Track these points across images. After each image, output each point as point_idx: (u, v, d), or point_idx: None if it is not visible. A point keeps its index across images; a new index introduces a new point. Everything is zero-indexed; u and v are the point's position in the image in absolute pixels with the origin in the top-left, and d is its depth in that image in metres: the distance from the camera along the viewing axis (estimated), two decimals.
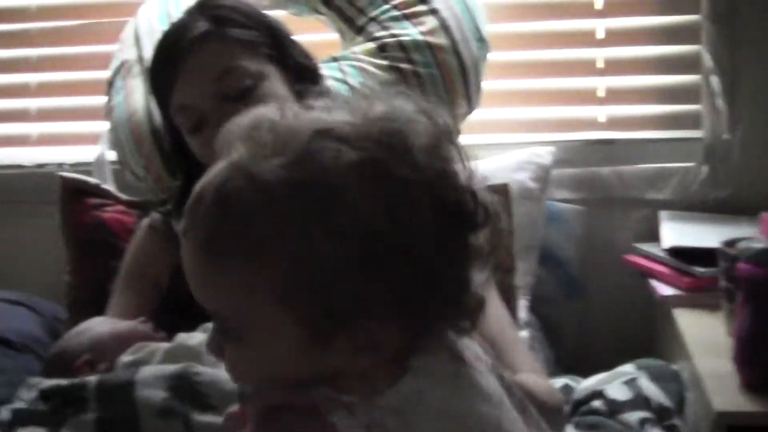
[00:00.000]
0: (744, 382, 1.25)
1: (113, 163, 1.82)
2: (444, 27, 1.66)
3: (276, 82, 1.33)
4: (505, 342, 1.24)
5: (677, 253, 1.62)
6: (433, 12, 1.67)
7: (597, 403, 1.30)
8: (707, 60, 1.78)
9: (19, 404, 1.14)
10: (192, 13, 1.36)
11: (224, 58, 1.30)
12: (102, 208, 1.69)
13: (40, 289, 1.84)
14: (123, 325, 1.33)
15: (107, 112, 1.78)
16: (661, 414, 1.26)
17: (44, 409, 1.12)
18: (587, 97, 1.86)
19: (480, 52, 1.70)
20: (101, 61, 1.89)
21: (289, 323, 0.68)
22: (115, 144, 1.75)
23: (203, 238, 0.69)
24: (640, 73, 1.86)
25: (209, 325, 1.07)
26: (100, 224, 1.67)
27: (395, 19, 1.67)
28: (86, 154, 1.93)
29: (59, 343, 1.36)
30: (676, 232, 1.67)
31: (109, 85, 1.79)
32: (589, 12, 1.83)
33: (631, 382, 1.32)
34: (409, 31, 1.65)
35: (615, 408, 1.28)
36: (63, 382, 1.14)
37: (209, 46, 1.30)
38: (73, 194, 1.70)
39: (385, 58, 1.64)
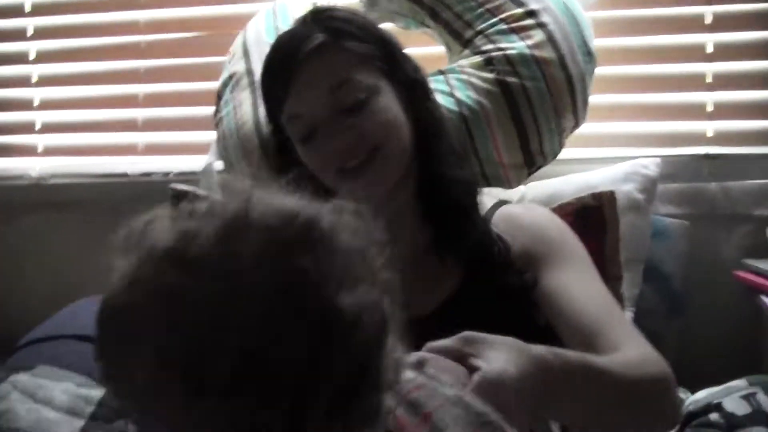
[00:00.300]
0: None
1: (220, 172, 1.87)
2: (551, 41, 1.64)
3: (388, 96, 1.33)
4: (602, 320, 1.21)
5: None
6: (541, 26, 1.65)
7: (714, 416, 1.29)
8: None
9: None
10: (306, 23, 1.36)
11: (340, 69, 1.30)
12: None
13: None
14: None
15: (216, 123, 1.81)
16: None
17: None
18: (695, 111, 1.85)
19: (587, 66, 1.68)
20: (208, 72, 1.95)
21: None
22: (223, 155, 1.78)
23: None
24: (749, 88, 1.83)
25: None
26: None
27: (502, 32, 1.66)
28: (191, 163, 1.99)
29: None
30: None
31: (218, 97, 1.82)
32: (698, 26, 1.82)
33: (749, 397, 1.30)
34: (516, 45, 1.64)
35: (734, 422, 1.26)
36: None
37: (325, 58, 1.30)
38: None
39: (491, 71, 1.63)
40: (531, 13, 1.68)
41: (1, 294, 2.10)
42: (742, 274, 1.72)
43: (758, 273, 1.69)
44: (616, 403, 1.05)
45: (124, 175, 2.07)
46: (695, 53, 1.84)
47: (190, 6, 2.07)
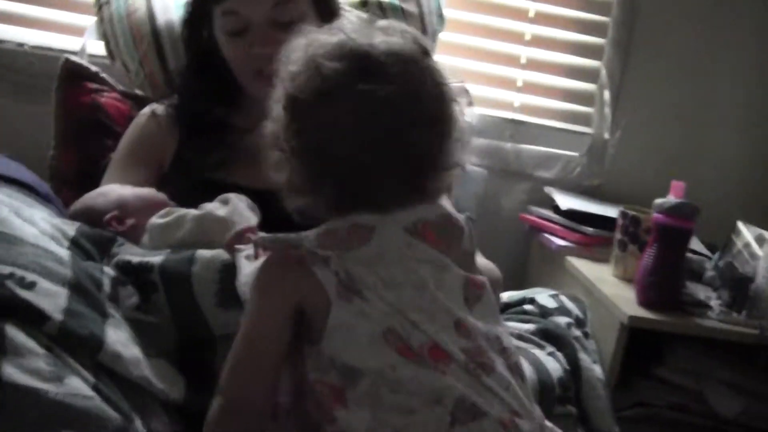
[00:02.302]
0: (642, 302, 1.72)
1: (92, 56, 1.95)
2: None
3: (311, 24, 1.55)
4: None
5: (569, 215, 2.05)
6: None
7: (529, 307, 1.64)
8: (603, 75, 2.24)
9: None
10: None
11: None
12: (100, 93, 1.81)
13: None
14: (143, 189, 1.46)
15: (100, 6, 1.88)
16: (578, 322, 1.62)
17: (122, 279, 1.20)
18: (508, 84, 2.25)
19: (438, 27, 1.99)
20: None
21: None
22: (108, 35, 1.86)
23: None
24: (553, 74, 2.27)
25: (229, 196, 1.31)
26: (97, 106, 1.79)
27: None
28: (46, 38, 2.05)
29: (83, 202, 1.45)
30: (569, 201, 2.09)
31: None
32: (522, 17, 2.22)
33: (555, 296, 1.68)
34: None
35: (546, 312, 1.61)
36: (133, 259, 1.22)
37: None
38: (73, 77, 1.81)
39: (366, 12, 1.87)
40: None
41: None
42: (527, 216, 2.16)
43: (540, 216, 2.13)
44: None
45: None
46: (516, 37, 2.23)
47: None
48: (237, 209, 1.33)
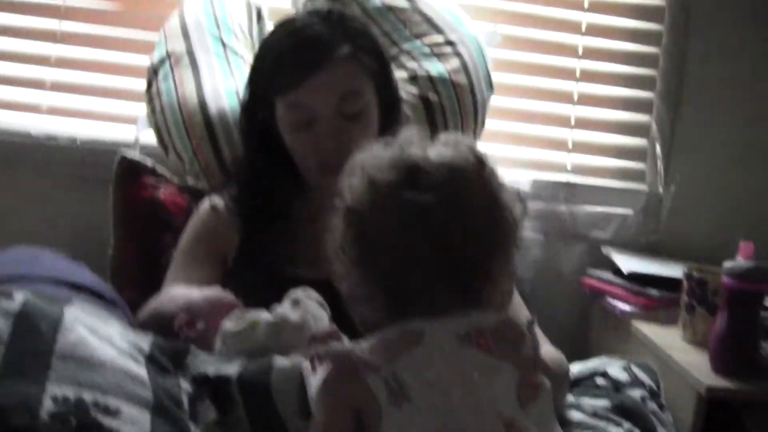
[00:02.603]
0: (717, 368, 1.68)
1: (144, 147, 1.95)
2: (465, 69, 1.92)
3: (374, 112, 1.54)
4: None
5: (631, 278, 2.01)
6: (458, 54, 1.92)
7: (600, 381, 1.59)
8: (654, 129, 2.21)
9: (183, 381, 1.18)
10: (330, 23, 1.51)
11: (353, 81, 1.50)
12: (157, 188, 1.82)
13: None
14: (211, 291, 1.43)
15: (150, 98, 1.91)
16: (652, 393, 1.58)
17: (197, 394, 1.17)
18: (561, 145, 2.23)
19: (488, 94, 1.98)
20: (124, 44, 2.09)
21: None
22: (161, 126, 1.87)
23: None
24: (603, 131, 2.25)
25: (299, 295, 1.30)
26: (155, 202, 1.80)
27: (426, 55, 1.92)
28: (98, 131, 2.07)
29: (151, 308, 1.43)
30: (629, 263, 2.05)
31: (154, 72, 1.91)
32: (569, 76, 2.21)
33: (627, 368, 1.63)
34: (438, 67, 1.90)
35: (619, 385, 1.57)
36: (209, 370, 1.19)
37: (346, 67, 1.49)
38: (130, 174, 1.83)
39: (415, 86, 1.87)
40: (450, 43, 1.94)
41: None
42: (587, 280, 2.12)
43: (601, 280, 2.09)
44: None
45: (28, 135, 2.04)
46: (564, 97, 2.22)
47: None
48: (309, 310, 1.31)
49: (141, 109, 1.99)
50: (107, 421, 0.99)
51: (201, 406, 1.17)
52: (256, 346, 1.28)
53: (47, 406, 0.97)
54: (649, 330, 1.91)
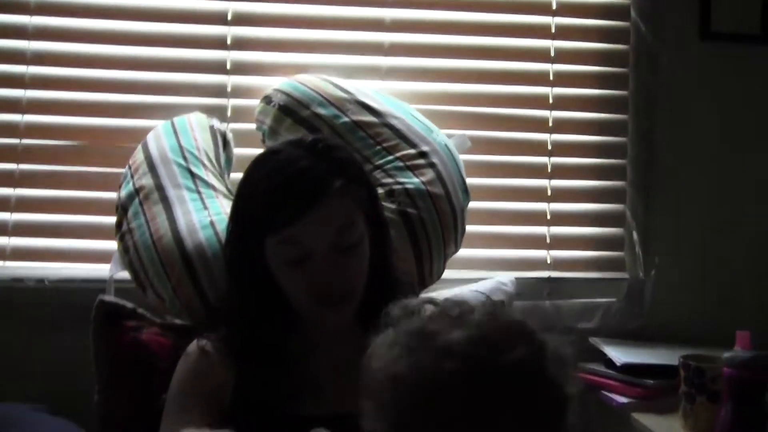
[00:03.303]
0: None
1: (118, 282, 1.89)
2: (440, 179, 1.89)
3: (367, 240, 1.51)
4: None
5: (624, 369, 1.99)
6: (431, 165, 1.90)
7: None
8: (629, 217, 2.22)
9: None
10: (318, 155, 1.48)
11: (348, 213, 1.47)
12: (140, 330, 1.75)
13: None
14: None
15: (122, 236, 1.86)
16: None
17: None
18: (540, 243, 2.23)
19: (465, 201, 1.97)
20: (86, 181, 2.06)
21: None
22: (136, 266, 1.82)
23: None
24: (580, 225, 2.26)
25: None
26: (139, 344, 1.72)
27: (399, 169, 1.89)
28: (67, 271, 2.02)
29: None
30: (621, 353, 2.04)
31: (124, 210, 1.87)
32: (541, 174, 2.22)
33: None
34: (413, 181, 1.87)
35: None
36: None
37: (341, 201, 1.45)
38: (110, 318, 1.75)
39: (393, 202, 1.84)
40: (422, 154, 1.92)
41: None
42: (582, 375, 2.09)
43: (594, 374, 2.06)
44: None
45: None
46: (539, 195, 2.23)
47: (73, 115, 2.08)
48: None
49: (109, 246, 1.95)
50: None
51: None
52: None
53: None
54: (650, 421, 1.89)
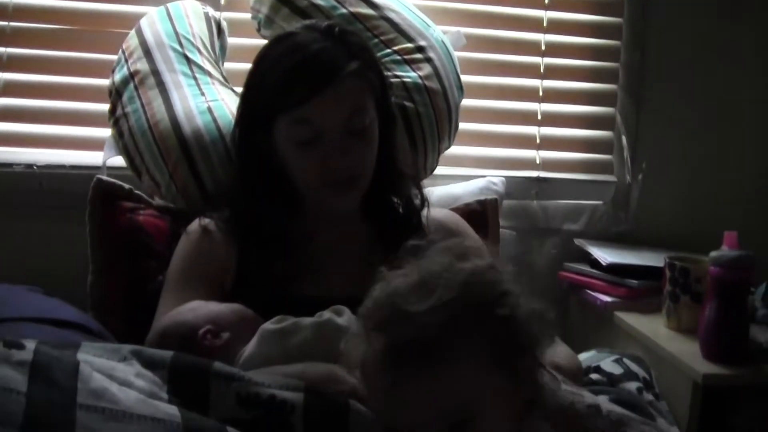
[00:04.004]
0: (710, 356, 1.72)
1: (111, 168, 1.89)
2: (437, 74, 1.89)
3: (376, 127, 1.53)
4: None
5: (609, 269, 2.04)
6: (429, 60, 1.90)
7: (595, 376, 1.62)
8: (619, 121, 2.24)
9: (215, 409, 1.08)
10: (334, 39, 1.49)
11: (362, 97, 1.49)
12: (136, 211, 1.76)
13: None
14: (233, 304, 1.37)
15: (116, 120, 1.84)
16: (645, 384, 1.61)
17: (246, 418, 1.08)
18: (530, 142, 2.25)
19: (459, 98, 1.98)
20: (76, 66, 2.02)
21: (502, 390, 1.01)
22: (131, 150, 1.81)
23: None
24: (570, 126, 2.27)
25: (341, 308, 1.27)
26: (136, 226, 1.73)
27: (397, 62, 1.89)
28: (55, 156, 2.00)
29: (171, 319, 1.35)
30: (606, 254, 2.08)
31: (118, 94, 1.85)
32: (534, 73, 2.22)
33: (618, 360, 1.66)
34: (410, 75, 1.87)
35: (614, 379, 1.60)
36: (264, 392, 1.10)
37: (354, 83, 1.47)
38: (106, 198, 1.75)
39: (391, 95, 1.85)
40: (420, 49, 1.91)
41: None
42: (564, 274, 2.15)
43: (579, 273, 2.11)
44: None
45: None
46: (531, 94, 2.23)
47: None
48: (353, 320, 1.22)
49: (99, 133, 1.94)
50: None
51: None
52: (298, 347, 1.23)
53: None
54: (633, 320, 1.95)
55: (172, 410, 1.06)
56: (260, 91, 1.52)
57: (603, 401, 1.14)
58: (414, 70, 1.89)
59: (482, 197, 1.99)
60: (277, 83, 1.48)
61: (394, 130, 1.62)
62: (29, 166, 1.98)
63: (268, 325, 1.27)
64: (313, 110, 1.46)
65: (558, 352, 1.43)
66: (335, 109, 1.46)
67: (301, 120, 1.47)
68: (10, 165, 1.98)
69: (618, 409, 1.11)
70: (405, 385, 1.00)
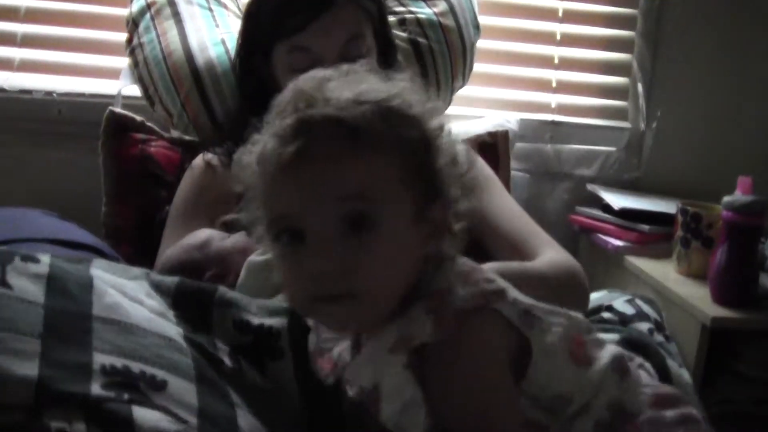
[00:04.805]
0: (719, 300, 1.73)
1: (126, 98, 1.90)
2: (452, 11, 1.89)
3: (374, 57, 1.51)
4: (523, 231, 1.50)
5: (621, 214, 2.04)
6: None
7: (607, 315, 1.59)
8: (635, 67, 2.22)
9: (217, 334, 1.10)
10: None
11: (358, 23, 1.47)
12: (148, 142, 1.77)
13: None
14: (240, 239, 1.36)
15: (132, 50, 1.85)
16: (657, 326, 1.59)
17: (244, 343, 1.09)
18: (545, 85, 2.23)
19: (475, 37, 1.97)
20: None
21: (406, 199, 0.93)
22: (145, 80, 1.82)
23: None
24: (586, 71, 2.26)
25: None
26: (147, 157, 1.74)
27: None
28: (74, 84, 1.99)
29: (180, 256, 1.35)
30: (618, 199, 2.08)
31: (134, 23, 1.85)
32: (552, 17, 2.21)
33: (631, 301, 1.65)
34: (425, 11, 1.87)
35: (625, 319, 1.57)
36: (253, 320, 1.11)
37: (350, 9, 1.46)
38: (119, 129, 1.76)
39: (404, 30, 1.84)
40: None
41: None
42: (576, 217, 2.14)
43: (590, 217, 2.11)
44: (546, 296, 1.13)
45: (1, 90, 1.96)
46: (548, 38, 2.22)
47: None
48: None
49: (118, 63, 1.93)
50: (156, 397, 0.93)
51: (244, 361, 1.09)
52: None
53: (97, 377, 0.92)
54: (643, 264, 1.95)
55: (178, 335, 1.06)
56: (259, 18, 1.52)
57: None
58: (429, 6, 1.89)
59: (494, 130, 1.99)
60: (273, 11, 1.48)
61: (393, 60, 1.61)
62: (49, 93, 1.98)
63: (254, 257, 1.26)
64: (310, 37, 1.45)
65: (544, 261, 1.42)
66: (332, 36, 1.45)
67: (298, 47, 1.46)
68: (29, 92, 1.98)
69: (527, 300, 1.00)
70: (306, 159, 0.92)
